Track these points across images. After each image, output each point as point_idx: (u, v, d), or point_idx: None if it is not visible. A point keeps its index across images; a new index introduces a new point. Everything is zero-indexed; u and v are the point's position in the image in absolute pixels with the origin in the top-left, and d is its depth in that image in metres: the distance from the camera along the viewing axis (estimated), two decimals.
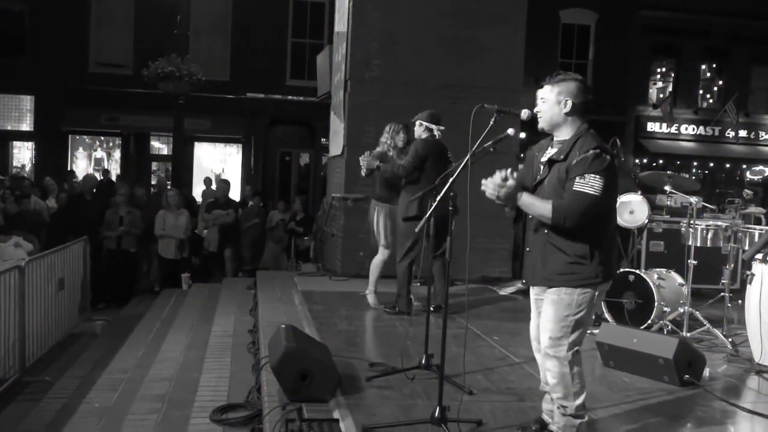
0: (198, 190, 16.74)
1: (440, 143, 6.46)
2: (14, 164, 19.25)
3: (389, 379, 4.51)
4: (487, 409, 4.02)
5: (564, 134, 3.44)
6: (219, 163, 20.09)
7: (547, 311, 3.42)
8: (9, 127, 18.89)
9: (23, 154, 19.46)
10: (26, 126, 18.93)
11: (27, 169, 19.13)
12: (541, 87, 3.50)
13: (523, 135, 7.29)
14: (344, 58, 9.17)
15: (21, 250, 8.39)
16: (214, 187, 13.79)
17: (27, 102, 18.82)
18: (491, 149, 4.07)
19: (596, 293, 3.40)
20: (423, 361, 4.57)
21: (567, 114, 3.42)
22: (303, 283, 8.13)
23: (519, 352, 5.39)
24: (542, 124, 3.49)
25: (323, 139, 17.83)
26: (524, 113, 4.00)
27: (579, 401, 3.41)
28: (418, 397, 4.21)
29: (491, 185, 3.37)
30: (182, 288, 9.74)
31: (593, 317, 3.55)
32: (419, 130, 6.49)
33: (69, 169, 18.37)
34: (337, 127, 9.63)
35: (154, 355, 6.32)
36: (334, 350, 4.82)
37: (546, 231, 3.40)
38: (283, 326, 4.54)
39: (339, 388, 4.25)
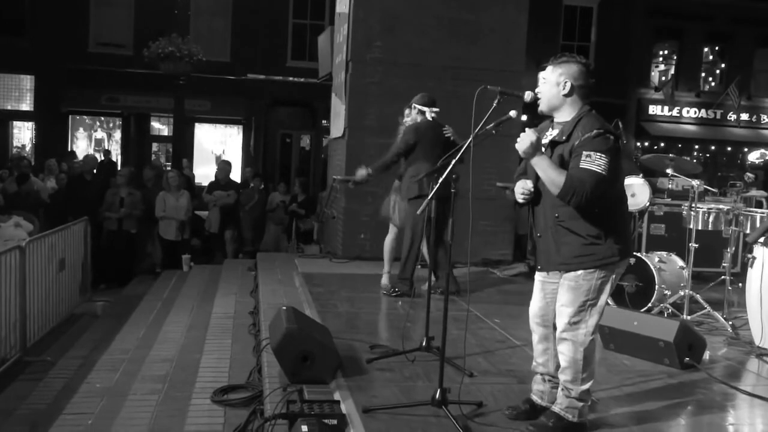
0: (199, 172, 16.72)
1: (434, 124, 6.47)
2: (14, 144, 19.20)
3: (390, 361, 4.52)
4: (487, 390, 4.03)
5: (564, 116, 3.41)
6: (219, 144, 20.05)
7: (565, 295, 3.39)
8: (9, 107, 18.84)
9: (23, 135, 19.42)
10: (26, 106, 18.88)
11: (27, 149, 19.09)
12: (544, 68, 3.48)
13: (524, 117, 7.25)
14: (345, 39, 9.11)
15: (21, 230, 8.39)
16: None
17: (27, 82, 18.76)
18: (493, 131, 4.05)
19: (613, 276, 3.39)
20: (424, 344, 4.58)
21: (565, 95, 3.39)
22: (303, 265, 8.13)
23: (519, 334, 5.39)
24: (542, 105, 3.47)
25: (324, 121, 17.79)
26: (527, 95, 3.97)
27: (585, 387, 3.41)
28: (418, 379, 4.22)
29: (521, 135, 3.33)
30: (183, 269, 9.75)
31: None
32: (414, 113, 6.50)
33: (69, 149, 18.33)
34: (339, 109, 9.59)
35: (155, 336, 6.32)
36: (335, 332, 4.83)
37: (556, 215, 3.36)
38: (284, 308, 4.55)
39: (340, 369, 4.26)
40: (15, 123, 19.27)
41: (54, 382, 5.88)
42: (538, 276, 3.64)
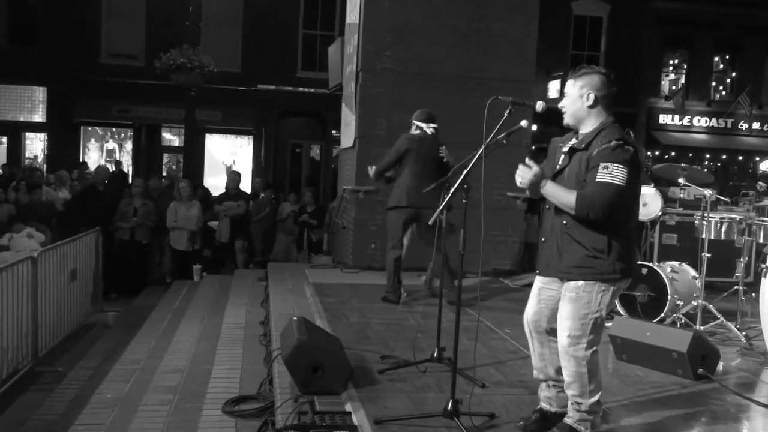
0: (209, 182, 16.78)
1: (429, 139, 6.55)
2: (27, 155, 19.33)
3: (401, 371, 4.51)
4: (499, 402, 4.01)
5: (588, 127, 3.41)
6: (230, 154, 20.12)
7: (566, 308, 3.37)
8: (21, 118, 18.97)
9: (35, 145, 19.55)
10: (38, 117, 19.01)
11: (39, 160, 19.21)
12: (563, 81, 3.51)
13: (535, 127, 7.27)
14: (356, 49, 9.14)
15: (33, 240, 8.43)
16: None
17: (39, 93, 18.89)
18: (504, 141, 4.04)
19: (614, 288, 3.35)
20: (435, 354, 4.57)
21: (590, 107, 3.39)
22: (314, 275, 8.12)
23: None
24: (567, 119, 3.47)
25: (334, 131, 17.83)
26: (539, 105, 3.98)
27: (594, 399, 3.39)
28: (430, 390, 4.20)
29: (519, 170, 3.36)
30: (194, 279, 9.77)
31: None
32: (413, 129, 6.63)
33: (81, 160, 18.44)
34: (349, 119, 9.61)
35: (166, 346, 6.34)
36: (346, 343, 4.82)
37: (564, 222, 3.35)
38: (295, 318, 4.55)
39: (351, 380, 4.25)
40: (27, 134, 19.40)
41: (65, 392, 5.89)
42: (537, 281, 3.62)
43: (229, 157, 20.04)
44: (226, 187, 12.04)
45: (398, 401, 4.00)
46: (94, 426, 4.61)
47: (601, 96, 3.38)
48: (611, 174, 3.17)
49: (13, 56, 17.85)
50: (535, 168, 3.34)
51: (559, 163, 3.47)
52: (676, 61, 23.09)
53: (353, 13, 9.65)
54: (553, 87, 20.54)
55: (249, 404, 4.65)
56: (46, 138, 19.27)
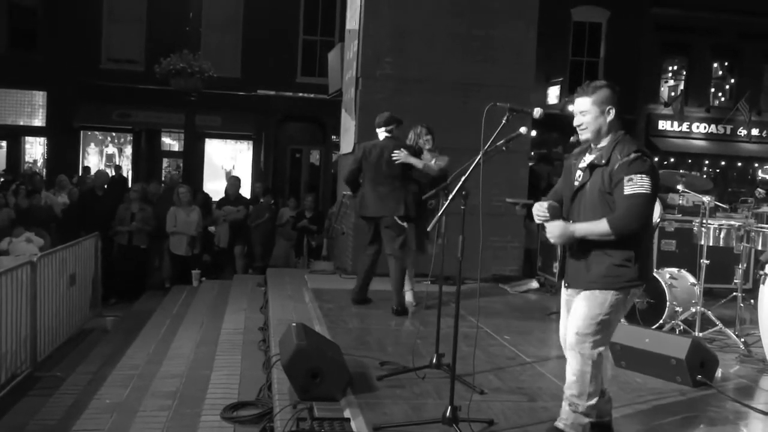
0: (209, 187, 16.79)
1: (380, 144, 6.59)
2: (26, 160, 19.34)
3: (400, 378, 4.51)
4: (498, 408, 4.01)
5: (604, 141, 3.49)
6: (230, 159, 20.12)
7: (579, 307, 3.44)
8: (21, 123, 18.98)
9: (35, 150, 19.55)
10: (38, 121, 19.02)
11: (39, 164, 19.21)
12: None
13: (534, 133, 7.28)
14: (356, 55, 9.15)
15: (32, 245, 8.44)
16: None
17: (39, 98, 18.90)
18: (503, 148, 4.06)
19: (629, 296, 3.44)
20: (434, 360, 4.57)
21: (611, 121, 3.47)
22: (313, 281, 8.13)
23: (530, 351, 5.38)
24: (587, 135, 3.51)
25: (334, 137, 17.83)
26: (537, 112, 4.00)
27: (591, 402, 3.42)
28: (429, 397, 4.20)
29: (548, 228, 3.48)
30: (193, 284, 9.77)
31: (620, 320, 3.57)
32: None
33: (81, 165, 18.47)
34: (348, 125, 9.62)
35: (165, 351, 6.33)
36: (345, 349, 4.82)
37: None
38: (294, 324, 4.55)
39: (350, 386, 4.25)
40: (27, 138, 19.41)
41: (64, 397, 5.89)
42: (564, 294, 3.68)
43: (228, 162, 20.05)
44: (226, 192, 12.05)
45: (397, 407, 4.00)
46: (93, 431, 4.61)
47: (617, 109, 3.47)
48: (637, 185, 3.28)
49: (13, 61, 17.87)
50: (558, 222, 3.45)
51: (578, 179, 3.52)
52: (675, 68, 23.13)
53: (353, 19, 9.67)
54: (553, 93, 20.57)
55: (248, 410, 4.64)
56: (45, 142, 19.28)
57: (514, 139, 4.10)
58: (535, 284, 8.30)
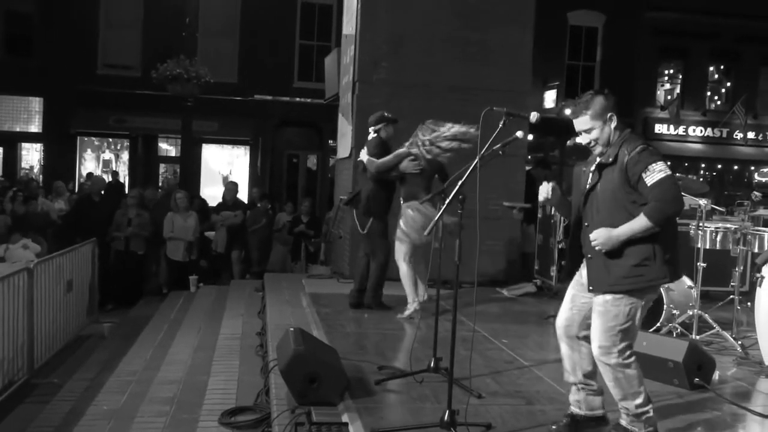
0: (206, 192, 16.78)
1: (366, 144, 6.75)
2: (23, 166, 19.32)
3: (398, 382, 4.51)
4: (495, 412, 4.00)
5: (611, 143, 3.51)
6: (226, 165, 20.12)
7: (595, 321, 3.48)
8: (18, 129, 18.95)
9: (32, 156, 19.53)
10: (35, 128, 18.99)
11: (35, 170, 19.19)
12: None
13: (530, 137, 7.30)
14: (352, 60, 9.17)
15: (29, 251, 8.42)
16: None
17: (36, 104, 18.88)
18: (500, 152, 4.07)
19: (643, 302, 3.46)
20: (432, 365, 4.56)
21: (616, 126, 3.49)
22: (311, 286, 8.13)
23: (527, 354, 5.38)
24: (600, 149, 3.51)
25: (331, 141, 17.85)
26: (533, 116, 4.00)
27: (639, 401, 3.49)
28: (426, 401, 4.20)
29: (593, 234, 3.46)
30: (190, 290, 9.75)
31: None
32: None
33: (78, 171, 18.47)
34: (345, 129, 9.63)
35: (162, 357, 6.32)
36: (343, 353, 4.81)
37: None
38: (292, 329, 4.54)
39: (348, 391, 4.24)
40: (23, 144, 19.39)
41: (61, 404, 5.88)
42: (571, 288, 3.71)
43: (225, 167, 20.05)
44: (224, 198, 12.04)
45: (395, 412, 4.01)
46: None
47: (616, 112, 3.48)
48: (656, 171, 3.30)
49: (9, 67, 17.87)
50: (602, 229, 3.42)
51: (588, 182, 3.55)
52: (672, 71, 23.19)
53: (350, 24, 9.69)
54: (549, 97, 20.60)
55: (245, 415, 4.63)
56: (42, 148, 19.26)
57: (510, 143, 4.12)
58: (532, 287, 8.30)
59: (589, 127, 3.48)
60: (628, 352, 3.46)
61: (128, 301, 10.19)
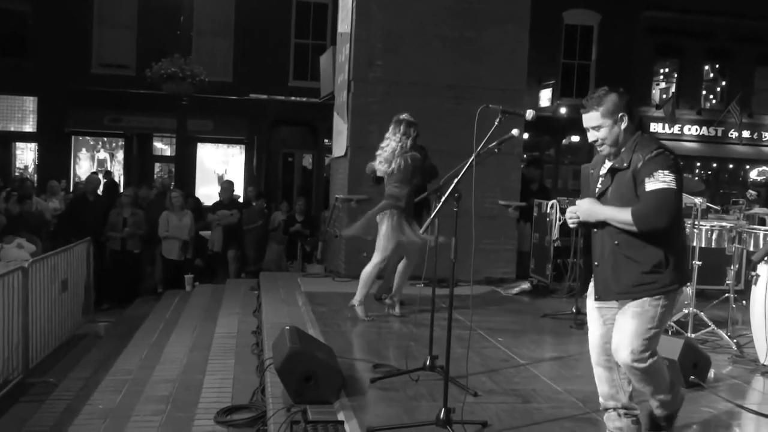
0: (201, 192, 16.76)
1: None
2: (17, 165, 19.26)
3: (393, 380, 4.50)
4: (491, 410, 4.00)
5: (623, 146, 3.36)
6: (222, 164, 20.09)
7: (629, 324, 3.28)
8: (12, 129, 18.90)
9: (26, 155, 19.47)
10: (29, 127, 18.95)
11: (30, 170, 19.14)
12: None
13: (526, 136, 7.33)
14: (347, 58, 9.16)
15: (24, 251, 8.39)
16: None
17: (30, 103, 18.84)
18: (495, 150, 4.07)
19: (674, 303, 3.38)
20: (427, 363, 4.56)
21: (627, 127, 3.34)
22: (306, 284, 8.12)
23: (523, 353, 5.38)
24: (608, 149, 3.37)
25: (326, 140, 17.84)
26: (529, 114, 4.00)
27: (673, 393, 3.46)
28: (422, 399, 4.20)
29: (569, 209, 3.42)
30: (186, 289, 9.74)
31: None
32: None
33: (73, 170, 18.43)
34: (341, 128, 9.63)
35: (158, 356, 6.31)
36: (338, 351, 4.81)
37: (616, 242, 3.30)
38: (287, 328, 4.54)
39: (343, 389, 4.24)
40: (18, 144, 19.34)
41: (56, 403, 5.86)
42: (593, 304, 3.52)
43: (221, 167, 20.01)
44: (220, 197, 12.03)
45: (391, 410, 4.00)
46: None
47: (628, 112, 3.36)
48: (660, 180, 3.14)
49: (3, 66, 17.80)
50: (588, 198, 3.38)
51: (599, 185, 3.42)
52: (667, 70, 23.23)
53: (344, 23, 9.68)
54: (545, 96, 20.63)
55: (241, 414, 4.62)
56: (36, 148, 19.20)
57: (506, 141, 4.12)
58: (527, 286, 8.31)
59: (598, 124, 3.33)
60: (655, 356, 3.32)
61: (124, 301, 10.16)
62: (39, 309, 7.13)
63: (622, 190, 3.28)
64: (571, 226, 3.54)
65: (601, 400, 3.56)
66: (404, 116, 6.31)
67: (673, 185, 3.15)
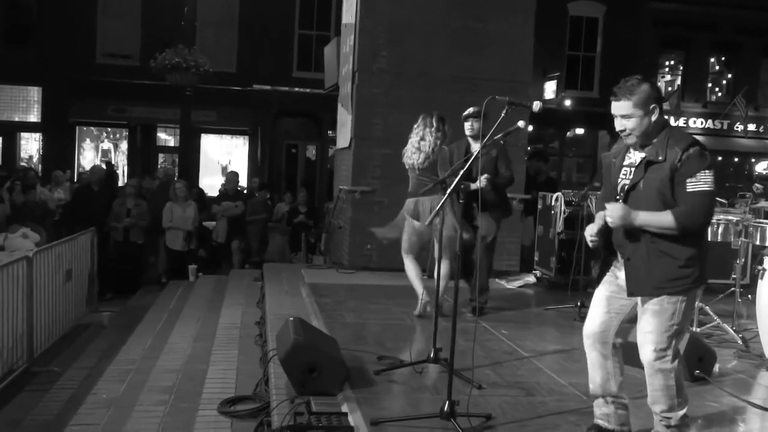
0: (204, 182, 16.75)
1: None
2: (22, 155, 19.28)
3: (398, 372, 4.50)
4: (495, 403, 4.00)
5: (654, 137, 3.28)
6: (225, 155, 20.09)
7: (650, 322, 3.26)
8: (16, 119, 18.91)
9: (30, 146, 19.49)
10: (33, 117, 18.95)
11: (35, 160, 19.16)
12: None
13: (531, 128, 7.31)
14: (352, 49, 9.13)
15: (28, 241, 8.40)
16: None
17: (34, 93, 18.83)
18: (501, 141, 4.06)
19: (695, 300, 3.36)
20: (432, 355, 4.55)
21: (657, 120, 3.26)
22: (310, 276, 8.12)
23: (527, 345, 5.37)
24: (635, 140, 3.29)
25: (330, 131, 17.82)
26: (536, 105, 3.98)
27: (683, 411, 3.33)
28: (426, 391, 4.20)
29: (608, 210, 3.28)
30: (189, 279, 9.74)
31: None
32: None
33: (77, 160, 18.43)
34: (345, 119, 9.60)
35: (162, 346, 6.31)
36: (342, 343, 4.80)
37: (651, 237, 3.23)
38: (291, 319, 4.53)
39: (347, 381, 4.23)
40: (22, 134, 19.35)
41: (60, 392, 5.89)
42: (603, 290, 3.48)
43: (224, 158, 20.01)
44: (224, 188, 12.02)
45: (395, 402, 4.00)
46: (89, 426, 4.59)
47: (661, 105, 3.28)
48: (701, 181, 3.13)
49: (8, 57, 17.79)
50: (619, 204, 3.27)
51: (627, 177, 3.35)
52: (672, 63, 23.14)
53: (349, 13, 9.65)
54: (549, 88, 20.56)
55: (245, 405, 4.61)
56: (41, 138, 19.21)
57: (512, 133, 4.10)
58: (531, 278, 8.30)
59: (629, 113, 3.24)
60: (678, 357, 3.28)
61: (127, 291, 10.18)
62: (43, 298, 7.14)
63: (656, 184, 3.21)
64: (610, 224, 3.35)
65: (591, 386, 3.54)
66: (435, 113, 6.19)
67: (713, 187, 3.15)
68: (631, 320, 3.44)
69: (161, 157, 19.85)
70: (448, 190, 3.96)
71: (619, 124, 3.30)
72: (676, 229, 3.14)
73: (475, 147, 5.59)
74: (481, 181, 5.50)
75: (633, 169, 3.32)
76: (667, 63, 23.13)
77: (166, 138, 19.92)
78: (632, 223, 3.21)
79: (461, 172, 3.88)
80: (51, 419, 5.29)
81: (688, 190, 3.13)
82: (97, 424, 4.57)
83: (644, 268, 3.26)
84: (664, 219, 3.15)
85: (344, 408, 3.92)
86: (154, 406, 4.83)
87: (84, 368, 6.53)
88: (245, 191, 13.46)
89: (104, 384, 5.40)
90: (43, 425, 5.23)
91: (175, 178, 12.40)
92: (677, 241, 3.19)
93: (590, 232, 3.41)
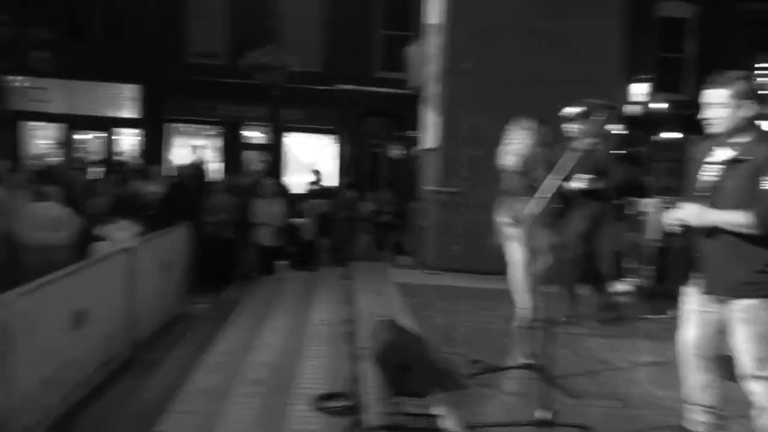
0: (291, 180, 17.04)
1: None
2: (119, 150, 20.07)
3: (489, 377, 4.49)
4: (592, 413, 3.94)
5: (745, 136, 3.23)
6: (312, 153, 20.39)
7: (743, 331, 3.20)
8: (113, 115, 19.69)
9: (128, 141, 20.25)
10: (130, 114, 19.70)
11: (132, 155, 19.91)
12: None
13: (623, 131, 7.17)
14: (438, 49, 9.14)
15: (128, 232, 8.76)
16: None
17: (130, 91, 19.56)
18: (593, 144, 4.02)
19: None
20: (525, 361, 4.52)
21: (752, 117, 3.22)
22: (397, 276, 8.17)
23: (622, 356, 5.26)
24: (720, 128, 3.25)
25: (412, 132, 17.86)
26: (629, 109, 3.90)
27: None
28: (518, 398, 4.18)
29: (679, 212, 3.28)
30: (279, 275, 9.93)
31: None
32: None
33: (168, 156, 19.07)
34: (430, 120, 9.62)
35: (253, 340, 6.49)
36: (432, 345, 4.82)
37: (729, 237, 3.18)
38: (384, 318, 4.60)
39: (439, 383, 4.25)
40: (119, 130, 20.14)
41: (159, 380, 6.10)
42: (693, 305, 3.43)
43: (310, 156, 20.31)
44: (312, 186, 12.23)
45: (488, 407, 4.01)
46: (188, 414, 4.79)
47: (756, 103, 3.23)
48: None
49: (105, 55, 18.56)
50: (695, 205, 3.25)
51: (709, 174, 3.30)
52: (766, 64, 22.14)
53: (434, 14, 9.65)
54: (638, 90, 19.98)
55: (337, 401, 4.71)
56: (139, 134, 19.96)
57: (602, 136, 4.04)
58: (625, 287, 8.06)
59: (722, 102, 3.21)
60: None
61: (219, 284, 10.46)
62: (143, 289, 7.42)
63: (742, 181, 3.15)
64: (674, 230, 3.38)
65: (687, 393, 3.50)
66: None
67: None
68: (723, 331, 3.35)
69: (250, 155, 20.28)
70: (547, 193, 3.91)
71: (708, 112, 3.26)
72: (753, 227, 3.07)
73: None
74: (582, 182, 5.42)
75: (717, 167, 3.26)
76: (761, 64, 22.14)
77: (254, 136, 20.36)
78: (707, 220, 3.18)
79: (561, 176, 3.84)
80: (152, 405, 5.50)
81: (761, 187, 3.06)
82: (195, 411, 4.76)
83: (720, 269, 3.23)
84: (739, 217, 3.10)
85: (436, 410, 3.95)
86: (248, 398, 4.99)
87: (180, 358, 6.74)
88: (333, 189, 13.65)
89: (200, 374, 5.59)
90: (144, 410, 5.44)
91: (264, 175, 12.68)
92: (756, 242, 3.11)
93: (672, 217, 3.34)
